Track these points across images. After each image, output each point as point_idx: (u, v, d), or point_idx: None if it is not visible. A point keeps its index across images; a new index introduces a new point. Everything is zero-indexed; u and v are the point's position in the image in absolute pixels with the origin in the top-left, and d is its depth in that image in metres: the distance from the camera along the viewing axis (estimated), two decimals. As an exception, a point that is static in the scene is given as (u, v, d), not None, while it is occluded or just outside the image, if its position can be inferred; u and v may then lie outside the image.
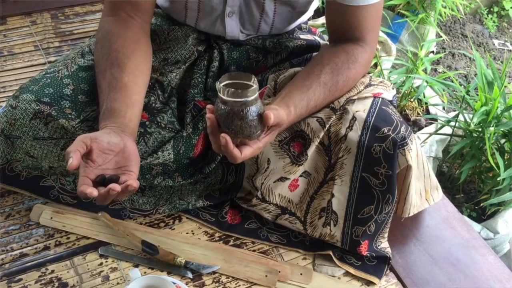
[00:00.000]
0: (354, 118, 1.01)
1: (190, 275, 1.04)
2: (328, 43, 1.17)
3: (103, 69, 1.00)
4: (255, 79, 0.84)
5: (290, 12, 1.11)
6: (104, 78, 0.99)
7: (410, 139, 1.01)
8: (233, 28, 1.11)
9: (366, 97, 1.03)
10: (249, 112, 0.83)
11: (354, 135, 1.01)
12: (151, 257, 1.06)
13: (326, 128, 1.02)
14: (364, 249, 1.08)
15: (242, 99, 0.82)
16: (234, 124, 0.83)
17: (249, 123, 0.84)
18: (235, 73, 0.85)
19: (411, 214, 1.12)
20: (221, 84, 0.83)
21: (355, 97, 1.03)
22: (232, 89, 0.82)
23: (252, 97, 0.83)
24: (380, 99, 1.04)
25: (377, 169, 1.01)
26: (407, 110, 1.96)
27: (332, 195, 1.06)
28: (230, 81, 0.84)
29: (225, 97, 0.82)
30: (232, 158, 0.86)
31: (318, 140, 1.03)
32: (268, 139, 0.91)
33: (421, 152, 1.06)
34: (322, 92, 0.98)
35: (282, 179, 1.08)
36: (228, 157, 0.87)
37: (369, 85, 1.07)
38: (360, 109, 1.01)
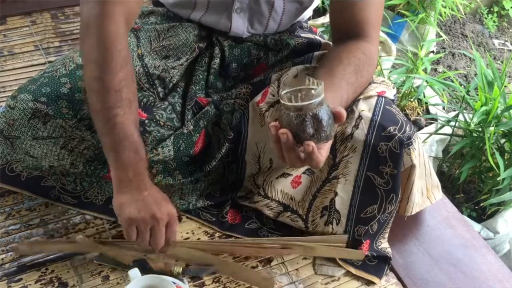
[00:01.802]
0: (360, 117, 1.01)
1: (186, 285, 1.02)
2: (328, 42, 1.18)
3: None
4: (311, 78, 0.80)
5: (297, 9, 1.12)
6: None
7: (414, 139, 1.01)
8: (239, 24, 1.11)
9: (371, 96, 1.03)
10: (324, 111, 0.80)
11: (360, 133, 1.01)
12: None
13: None
14: (365, 248, 1.08)
15: (317, 99, 0.78)
16: (314, 128, 0.80)
17: (327, 122, 0.80)
18: (288, 81, 0.81)
19: (413, 213, 1.13)
20: (285, 92, 0.79)
21: (361, 97, 1.03)
22: (303, 92, 0.78)
23: (323, 95, 0.79)
24: (384, 98, 1.04)
25: (383, 168, 1.01)
26: (407, 110, 1.97)
27: (336, 194, 1.06)
28: (290, 89, 0.80)
29: (299, 103, 0.78)
30: (316, 163, 0.82)
31: None
32: None
33: (423, 151, 1.06)
34: (351, 92, 0.97)
35: (284, 175, 1.08)
36: (312, 165, 0.83)
37: (372, 82, 1.07)
38: (365, 109, 1.02)
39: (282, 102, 0.80)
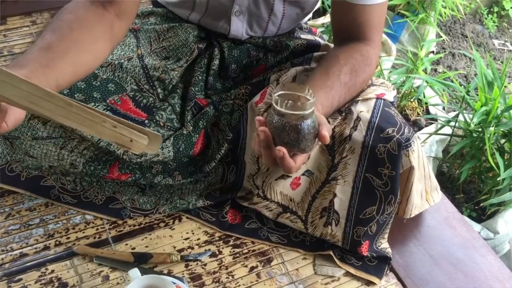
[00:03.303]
0: (358, 119, 1.01)
1: (186, 285, 1.01)
2: (327, 43, 1.18)
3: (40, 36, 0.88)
4: (310, 90, 0.82)
5: (298, 14, 1.12)
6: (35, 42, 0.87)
7: (413, 140, 1.01)
8: (238, 27, 1.11)
9: (369, 98, 1.03)
10: (306, 125, 0.81)
11: (359, 135, 1.01)
12: (147, 263, 1.05)
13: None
14: (364, 249, 1.08)
15: (300, 112, 0.80)
16: (290, 137, 0.81)
17: (305, 137, 0.81)
18: (288, 84, 0.83)
19: (412, 215, 1.13)
20: (276, 95, 0.81)
21: (359, 98, 1.03)
22: (290, 101, 0.80)
23: (310, 111, 0.81)
24: (382, 100, 1.04)
25: (381, 169, 1.01)
26: (407, 110, 1.97)
27: (335, 195, 1.06)
28: (284, 92, 0.82)
29: (282, 110, 0.80)
30: (287, 169, 0.83)
31: None
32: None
33: (422, 153, 1.06)
34: (343, 92, 0.97)
35: (283, 176, 1.08)
36: (283, 169, 0.84)
37: (372, 85, 1.07)
38: (364, 110, 1.02)
39: (272, 102, 0.81)
